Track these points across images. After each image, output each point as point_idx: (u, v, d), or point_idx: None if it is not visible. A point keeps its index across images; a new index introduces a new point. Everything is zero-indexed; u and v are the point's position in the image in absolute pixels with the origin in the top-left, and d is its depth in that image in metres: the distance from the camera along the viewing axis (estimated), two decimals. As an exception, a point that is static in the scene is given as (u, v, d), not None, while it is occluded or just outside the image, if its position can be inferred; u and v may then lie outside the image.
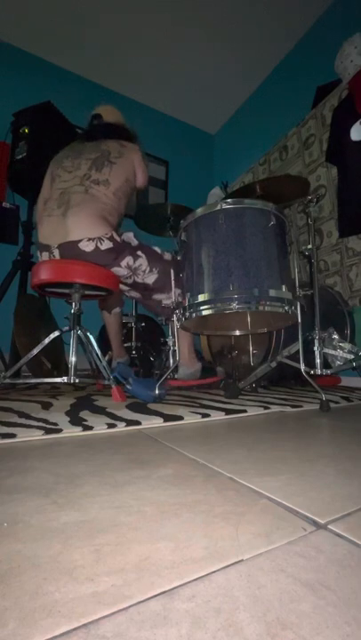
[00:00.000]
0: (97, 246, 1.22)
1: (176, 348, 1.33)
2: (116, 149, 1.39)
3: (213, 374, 1.63)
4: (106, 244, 1.23)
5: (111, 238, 1.25)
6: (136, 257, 1.30)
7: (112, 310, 1.65)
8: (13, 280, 1.96)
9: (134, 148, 1.45)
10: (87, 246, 1.22)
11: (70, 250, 1.22)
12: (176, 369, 1.46)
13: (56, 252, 1.24)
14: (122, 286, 1.44)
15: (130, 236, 1.34)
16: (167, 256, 1.40)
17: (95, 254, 1.23)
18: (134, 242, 1.34)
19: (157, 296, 1.41)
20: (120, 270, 1.30)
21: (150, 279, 1.35)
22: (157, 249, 1.39)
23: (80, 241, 1.21)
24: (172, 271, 1.35)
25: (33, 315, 1.76)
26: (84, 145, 1.42)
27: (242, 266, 1.13)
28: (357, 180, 1.82)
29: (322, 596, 0.24)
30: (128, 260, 1.29)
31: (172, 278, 1.34)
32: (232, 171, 3.34)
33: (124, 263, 1.29)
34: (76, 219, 1.22)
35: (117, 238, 1.27)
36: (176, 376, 1.46)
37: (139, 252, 1.31)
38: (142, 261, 1.32)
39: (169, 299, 1.38)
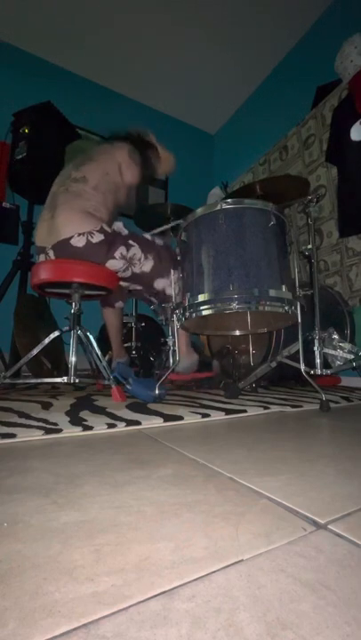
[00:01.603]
0: (88, 240, 1.23)
1: (176, 347, 1.32)
2: (97, 148, 1.41)
3: (210, 368, 1.63)
4: (97, 237, 1.24)
5: (101, 230, 1.25)
6: (129, 246, 1.31)
7: (116, 304, 1.64)
8: (13, 280, 1.96)
9: (121, 145, 1.45)
10: (79, 242, 1.22)
11: (63, 248, 1.23)
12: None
13: (51, 253, 1.25)
14: (123, 282, 1.44)
15: (120, 226, 1.34)
16: (159, 241, 1.40)
17: (88, 249, 1.23)
18: (124, 231, 1.34)
19: (158, 283, 1.40)
20: (116, 263, 1.30)
21: (147, 266, 1.34)
22: (148, 235, 1.40)
23: (71, 237, 1.22)
24: (168, 255, 1.36)
25: (33, 315, 1.76)
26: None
27: (242, 266, 1.13)
28: (357, 179, 1.82)
29: (322, 596, 0.24)
30: (121, 250, 1.29)
31: (170, 261, 1.34)
32: (232, 171, 3.33)
33: (117, 254, 1.29)
34: (63, 217, 1.24)
35: (107, 229, 1.27)
36: (176, 369, 1.46)
37: (130, 241, 1.32)
38: (135, 250, 1.32)
39: (170, 284, 1.37)
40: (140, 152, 1.52)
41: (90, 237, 1.23)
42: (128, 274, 1.36)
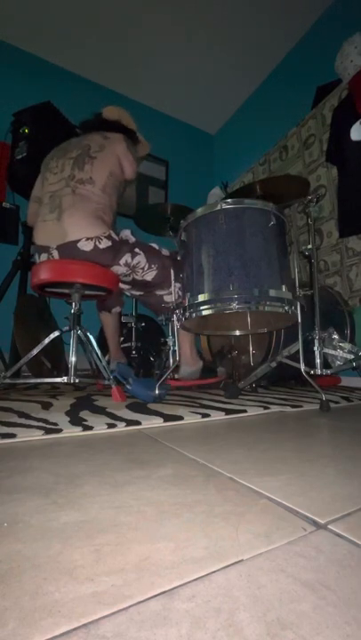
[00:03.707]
0: (96, 245, 1.22)
1: (176, 347, 1.33)
2: (97, 143, 1.36)
3: (214, 374, 1.63)
4: (104, 243, 1.24)
5: (109, 237, 1.25)
6: (134, 254, 1.31)
7: (112, 310, 1.64)
8: (13, 280, 1.96)
9: (118, 138, 1.40)
10: (86, 245, 1.22)
11: (69, 250, 1.23)
12: (176, 369, 1.45)
13: (55, 253, 1.25)
14: (122, 285, 1.44)
15: (127, 234, 1.34)
16: (165, 252, 1.40)
17: (95, 253, 1.23)
18: (132, 239, 1.34)
19: (158, 292, 1.40)
20: (119, 269, 1.31)
21: (149, 276, 1.35)
22: (155, 245, 1.39)
23: (78, 241, 1.21)
24: (171, 266, 1.35)
25: (33, 315, 1.76)
26: (70, 142, 1.40)
27: (242, 266, 1.13)
28: (357, 179, 1.82)
29: (322, 596, 0.24)
30: (126, 257, 1.29)
31: (172, 273, 1.33)
32: (232, 171, 3.33)
33: (122, 261, 1.29)
34: (72, 220, 1.22)
35: (115, 237, 1.27)
36: (177, 375, 1.45)
37: (136, 250, 1.32)
38: (140, 258, 1.32)
39: (170, 294, 1.37)
40: (131, 139, 1.50)
41: (98, 243, 1.23)
42: (129, 279, 1.36)
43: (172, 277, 1.33)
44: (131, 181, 1.49)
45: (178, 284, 1.34)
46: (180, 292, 1.32)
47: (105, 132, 1.42)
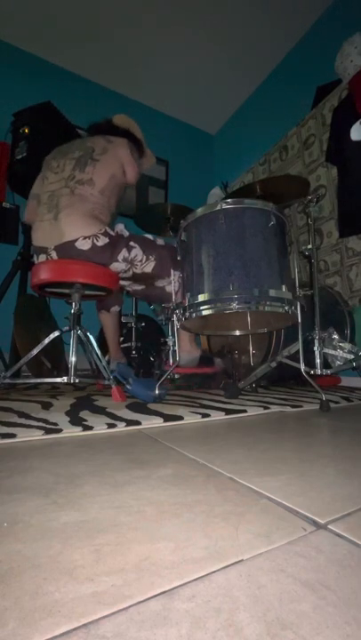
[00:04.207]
0: (94, 243, 1.23)
1: (176, 348, 1.33)
2: (100, 145, 1.37)
3: (212, 364, 1.63)
4: (102, 240, 1.24)
5: (105, 233, 1.25)
6: (130, 248, 1.31)
7: (111, 309, 1.64)
8: (13, 280, 1.96)
9: (122, 142, 1.42)
10: (84, 245, 1.22)
11: (67, 250, 1.23)
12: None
13: (53, 254, 1.25)
14: (123, 282, 1.44)
15: (121, 228, 1.35)
16: (160, 241, 1.40)
17: (93, 252, 1.23)
18: (126, 233, 1.34)
19: (159, 283, 1.41)
20: (119, 265, 1.31)
21: (149, 267, 1.35)
22: (149, 236, 1.40)
23: (76, 240, 1.22)
24: (169, 255, 1.35)
25: (33, 315, 1.76)
26: (72, 144, 1.41)
27: (242, 266, 1.13)
28: (357, 179, 1.82)
29: (322, 596, 0.24)
30: (124, 252, 1.30)
31: (171, 261, 1.34)
32: (232, 171, 3.34)
33: (120, 257, 1.29)
34: (69, 220, 1.22)
35: (111, 232, 1.28)
36: (178, 364, 1.46)
37: (131, 243, 1.32)
38: (137, 251, 1.32)
39: (171, 284, 1.37)
40: (136, 148, 1.52)
41: (95, 241, 1.23)
42: (129, 274, 1.36)
43: (171, 266, 1.34)
44: (132, 185, 1.50)
45: (177, 273, 1.34)
46: (180, 281, 1.32)
47: (110, 136, 1.44)
